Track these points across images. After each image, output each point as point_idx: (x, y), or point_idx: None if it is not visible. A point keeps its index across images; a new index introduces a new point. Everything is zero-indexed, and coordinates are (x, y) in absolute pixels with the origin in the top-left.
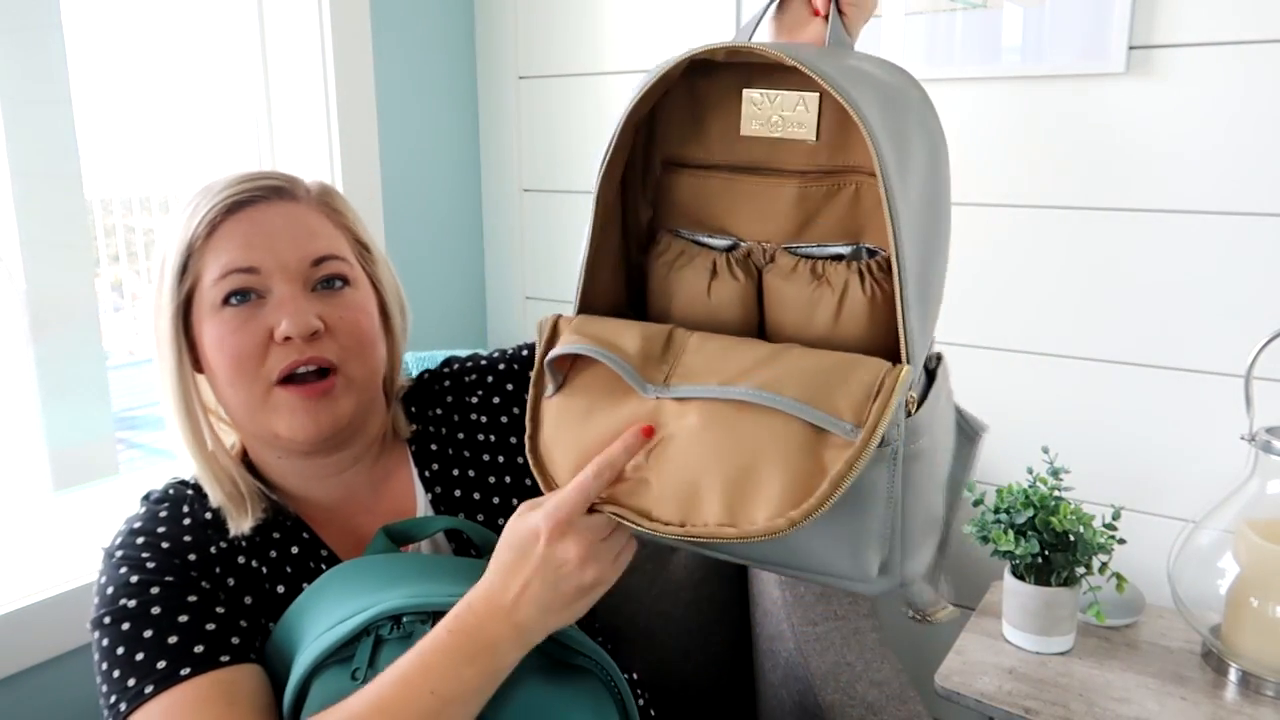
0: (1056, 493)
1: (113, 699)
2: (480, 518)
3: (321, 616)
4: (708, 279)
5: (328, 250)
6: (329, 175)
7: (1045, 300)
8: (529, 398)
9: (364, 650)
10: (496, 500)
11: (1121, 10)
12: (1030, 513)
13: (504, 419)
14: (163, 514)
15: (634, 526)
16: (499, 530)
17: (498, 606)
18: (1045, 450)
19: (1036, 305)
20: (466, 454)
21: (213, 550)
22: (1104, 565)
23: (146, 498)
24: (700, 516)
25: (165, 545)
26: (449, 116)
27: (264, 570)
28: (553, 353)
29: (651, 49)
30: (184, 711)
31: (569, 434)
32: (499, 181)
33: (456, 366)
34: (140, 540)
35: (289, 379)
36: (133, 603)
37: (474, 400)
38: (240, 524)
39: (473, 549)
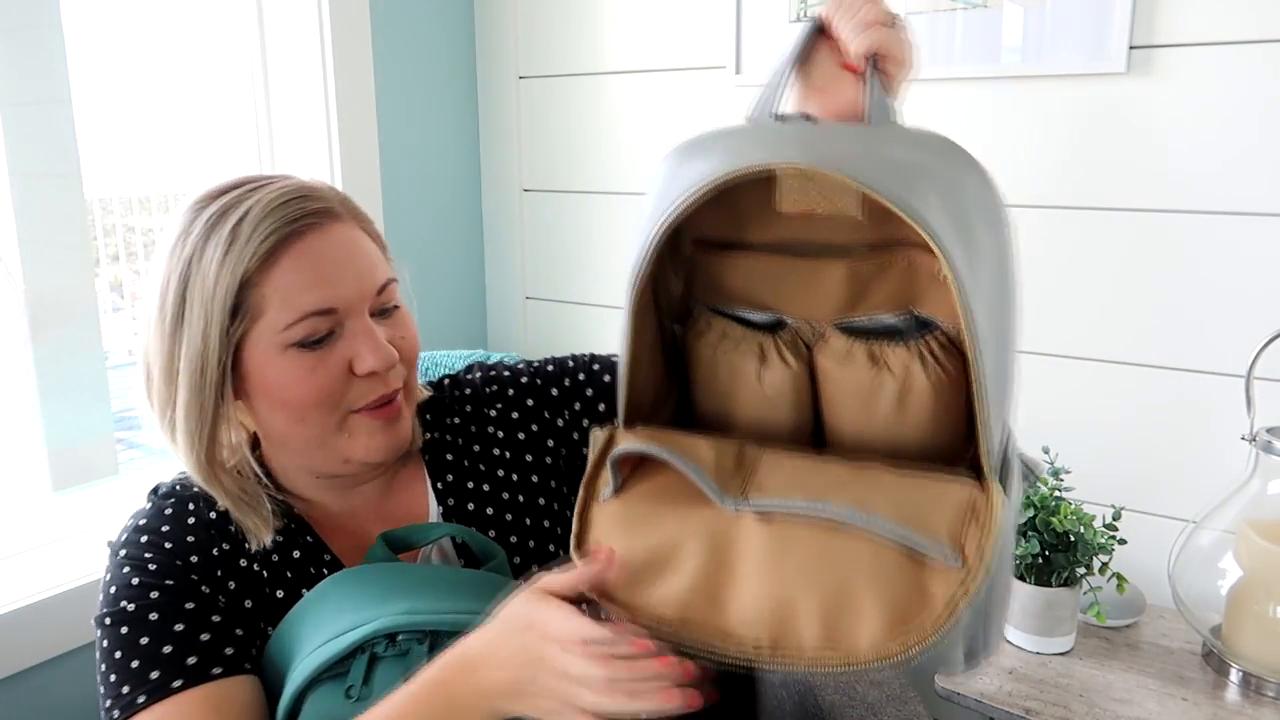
0: (1057, 493)
1: (108, 703)
2: (491, 533)
3: (319, 628)
4: (756, 365)
5: (387, 275)
6: (329, 175)
7: (1045, 300)
8: (578, 499)
9: (359, 668)
10: (509, 517)
11: (1122, 10)
12: (1030, 513)
13: (520, 435)
14: (168, 511)
15: (709, 654)
16: (509, 546)
17: (472, 665)
18: (1045, 450)
19: (1037, 305)
20: (481, 467)
21: (215, 552)
22: (1104, 566)
23: (154, 491)
24: (794, 639)
25: (168, 545)
26: (449, 116)
27: (265, 574)
28: (621, 449)
29: (651, 49)
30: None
31: (630, 540)
32: (499, 181)
33: (478, 375)
34: (144, 539)
35: (359, 406)
36: (132, 606)
37: (492, 413)
38: (263, 538)
39: (475, 559)
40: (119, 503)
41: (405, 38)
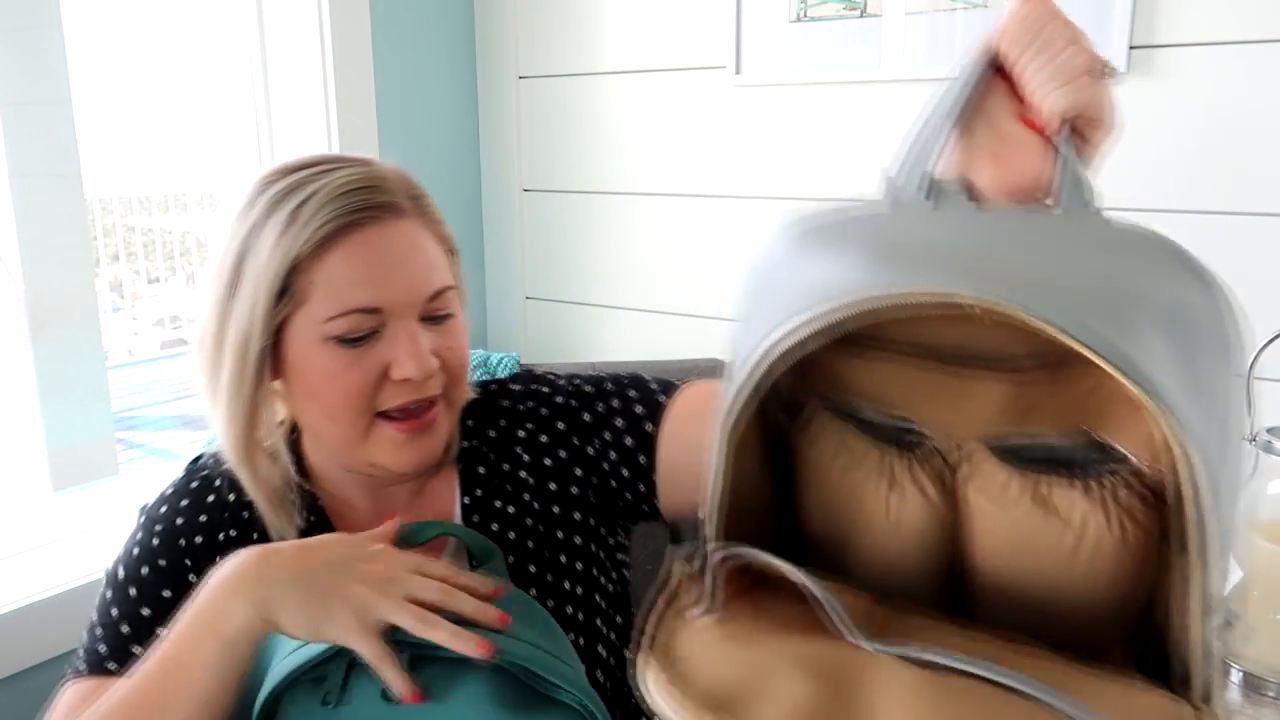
0: None
1: (77, 651)
2: (511, 559)
3: None
4: (884, 490)
5: (444, 282)
6: None
7: None
8: (657, 606)
9: (336, 673)
10: (530, 544)
11: (1122, 10)
12: None
13: (548, 461)
14: (193, 485)
15: None
16: (527, 576)
17: (263, 557)
18: None
19: None
20: (508, 488)
21: (220, 538)
22: None
23: (193, 462)
24: None
25: (179, 522)
26: (449, 116)
27: None
28: (728, 554)
29: (651, 49)
30: (88, 703)
31: (728, 655)
32: (499, 181)
33: (518, 388)
34: (163, 510)
35: (388, 412)
36: (122, 574)
37: (522, 434)
38: (286, 533)
39: (473, 559)
40: (119, 503)
41: (405, 38)
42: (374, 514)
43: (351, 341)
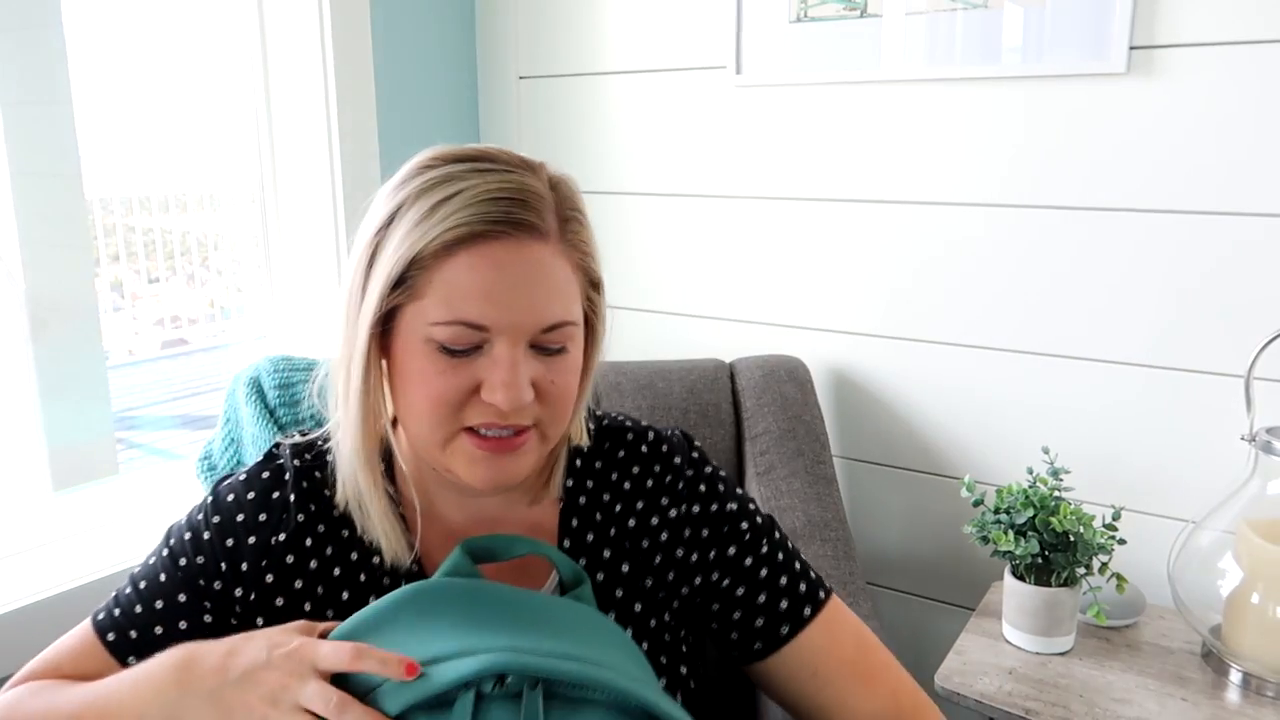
0: (1057, 493)
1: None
2: (611, 614)
3: (409, 648)
4: None
5: (561, 316)
6: (329, 175)
7: (1045, 300)
8: None
9: (464, 706)
10: (619, 593)
11: (1122, 10)
12: (1030, 513)
13: (656, 520)
14: (265, 475)
15: None
16: (617, 612)
17: (188, 663)
18: (1045, 450)
19: (1036, 305)
20: (611, 529)
21: (271, 541)
22: (1104, 565)
23: (275, 447)
24: None
25: (239, 519)
26: (449, 116)
27: (335, 572)
28: None
29: (651, 49)
30: (78, 654)
31: None
32: None
33: (665, 450)
34: (231, 498)
35: (478, 430)
36: (166, 552)
37: (651, 484)
38: (403, 558)
39: (562, 585)
40: (119, 503)
41: (405, 38)
42: (462, 528)
43: (452, 352)
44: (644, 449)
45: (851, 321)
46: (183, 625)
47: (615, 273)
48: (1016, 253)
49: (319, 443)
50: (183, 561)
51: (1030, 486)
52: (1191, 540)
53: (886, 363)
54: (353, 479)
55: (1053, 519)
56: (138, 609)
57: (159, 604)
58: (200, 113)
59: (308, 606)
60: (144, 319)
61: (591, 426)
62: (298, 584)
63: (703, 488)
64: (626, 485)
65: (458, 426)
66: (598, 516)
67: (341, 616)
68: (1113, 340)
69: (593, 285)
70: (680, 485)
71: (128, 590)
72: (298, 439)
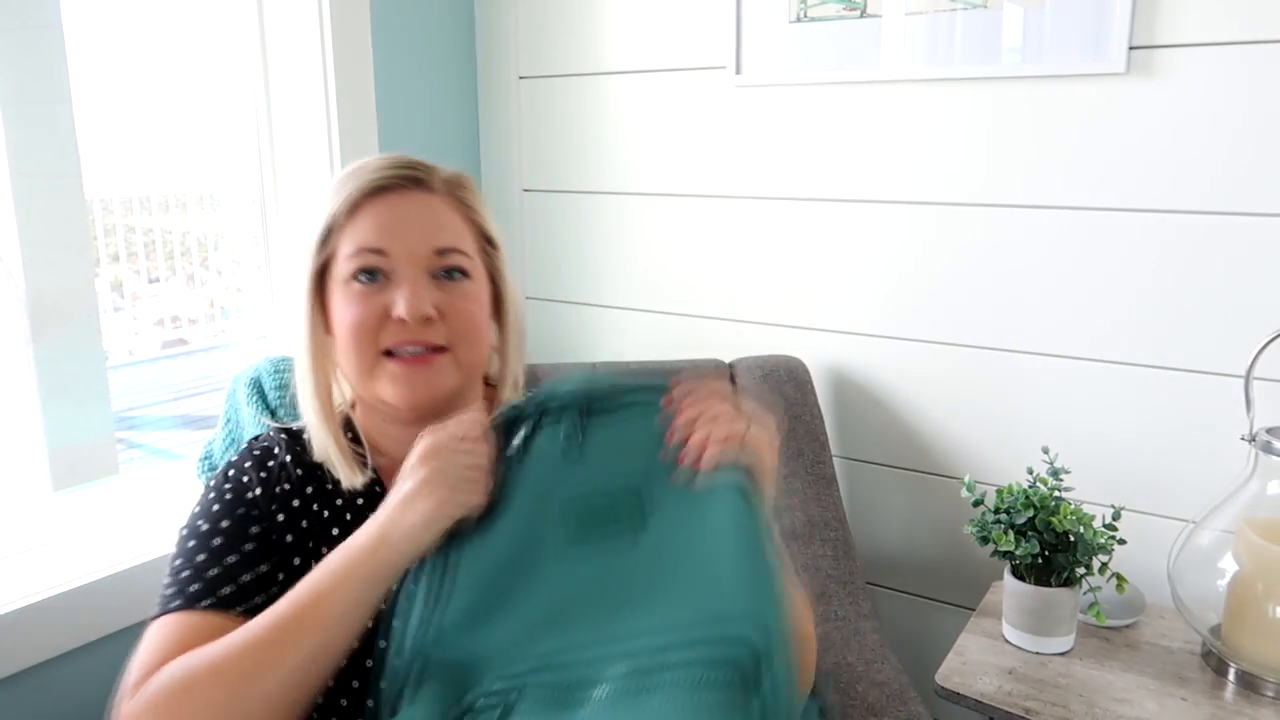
0: (1057, 493)
1: (157, 600)
2: None
3: (494, 633)
4: None
5: (450, 243)
6: (328, 175)
7: (1046, 300)
8: None
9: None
10: None
11: (1122, 10)
12: (1030, 513)
13: None
14: (256, 452)
15: None
16: None
17: (377, 511)
18: (1045, 450)
19: (1036, 305)
20: None
21: (275, 490)
22: (1104, 565)
23: (255, 439)
24: None
25: (245, 480)
26: (449, 116)
27: (325, 513)
28: None
29: (651, 49)
30: (183, 634)
31: None
32: (499, 181)
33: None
34: (231, 472)
35: (397, 352)
36: (204, 526)
37: None
38: (354, 479)
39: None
40: (119, 503)
41: (405, 38)
42: None
43: (365, 281)
44: None
45: (851, 321)
46: (263, 568)
47: (615, 273)
48: (1016, 253)
49: (296, 429)
50: (225, 524)
51: (1030, 486)
52: (1191, 540)
53: (886, 363)
54: (312, 425)
55: (1053, 519)
56: (213, 571)
57: (231, 558)
58: (200, 113)
59: (336, 531)
60: (144, 319)
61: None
62: (303, 523)
63: None
64: None
65: (377, 350)
66: None
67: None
68: (1113, 340)
69: (489, 241)
70: None
71: (184, 573)
72: (277, 426)
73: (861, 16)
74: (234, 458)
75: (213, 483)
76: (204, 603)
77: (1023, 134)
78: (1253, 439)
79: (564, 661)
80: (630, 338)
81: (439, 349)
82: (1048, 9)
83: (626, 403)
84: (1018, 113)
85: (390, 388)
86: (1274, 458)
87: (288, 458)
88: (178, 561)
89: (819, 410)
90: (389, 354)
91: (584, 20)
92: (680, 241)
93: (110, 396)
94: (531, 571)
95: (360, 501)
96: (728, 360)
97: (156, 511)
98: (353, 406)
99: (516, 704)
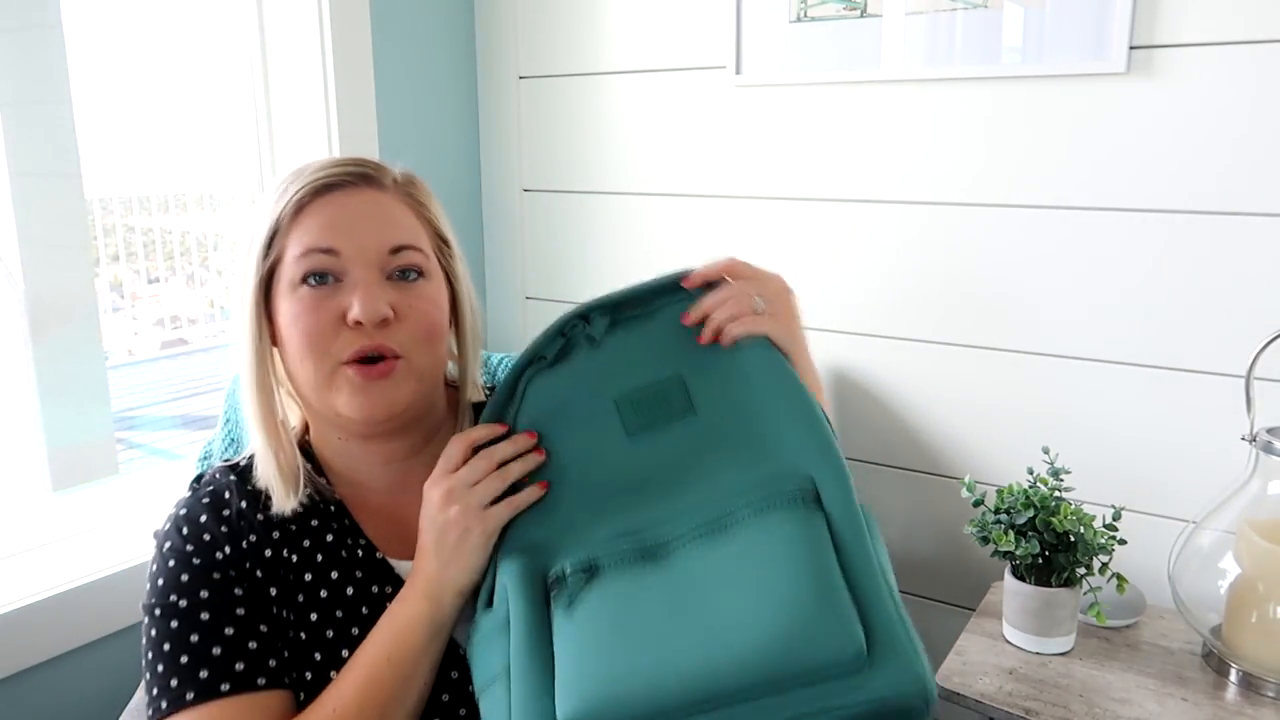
0: (1057, 493)
1: (154, 692)
2: None
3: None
4: None
5: (405, 240)
6: None
7: (1045, 300)
8: None
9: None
10: None
11: (1122, 10)
12: (1031, 513)
13: None
14: (205, 500)
15: None
16: None
17: (415, 573)
18: (1045, 451)
19: (1037, 305)
20: None
21: (244, 545)
22: (1104, 566)
23: (196, 480)
24: None
25: (206, 538)
26: (449, 116)
27: (294, 559)
28: None
29: (651, 49)
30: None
31: None
32: (499, 181)
33: None
34: (185, 530)
35: (353, 360)
36: (183, 603)
37: None
38: (285, 503)
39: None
40: (119, 503)
41: (405, 38)
42: (390, 494)
43: (316, 284)
44: None
45: (851, 321)
46: (263, 628)
47: (615, 273)
48: (1016, 253)
49: (241, 462)
50: (205, 595)
51: (1030, 487)
52: (1192, 540)
53: (886, 363)
54: (258, 446)
55: (1053, 519)
56: (216, 650)
57: (229, 630)
58: (200, 113)
59: (309, 577)
60: (144, 319)
61: (488, 387)
62: (292, 574)
63: None
64: None
65: (334, 361)
66: None
67: (325, 585)
68: (1113, 340)
69: (443, 240)
70: None
71: (183, 660)
72: (217, 466)
73: (861, 16)
74: (183, 511)
75: (168, 546)
76: (223, 687)
77: (1023, 134)
78: (1253, 439)
79: (640, 530)
80: None
81: (395, 355)
82: (1048, 9)
83: (653, 307)
84: (1018, 113)
85: (348, 401)
86: (1274, 458)
87: (242, 503)
88: (166, 647)
89: None
90: (345, 363)
91: (584, 20)
92: (680, 241)
93: (110, 396)
94: (594, 469)
95: (330, 539)
96: None
97: (156, 511)
98: (305, 430)
99: (601, 568)
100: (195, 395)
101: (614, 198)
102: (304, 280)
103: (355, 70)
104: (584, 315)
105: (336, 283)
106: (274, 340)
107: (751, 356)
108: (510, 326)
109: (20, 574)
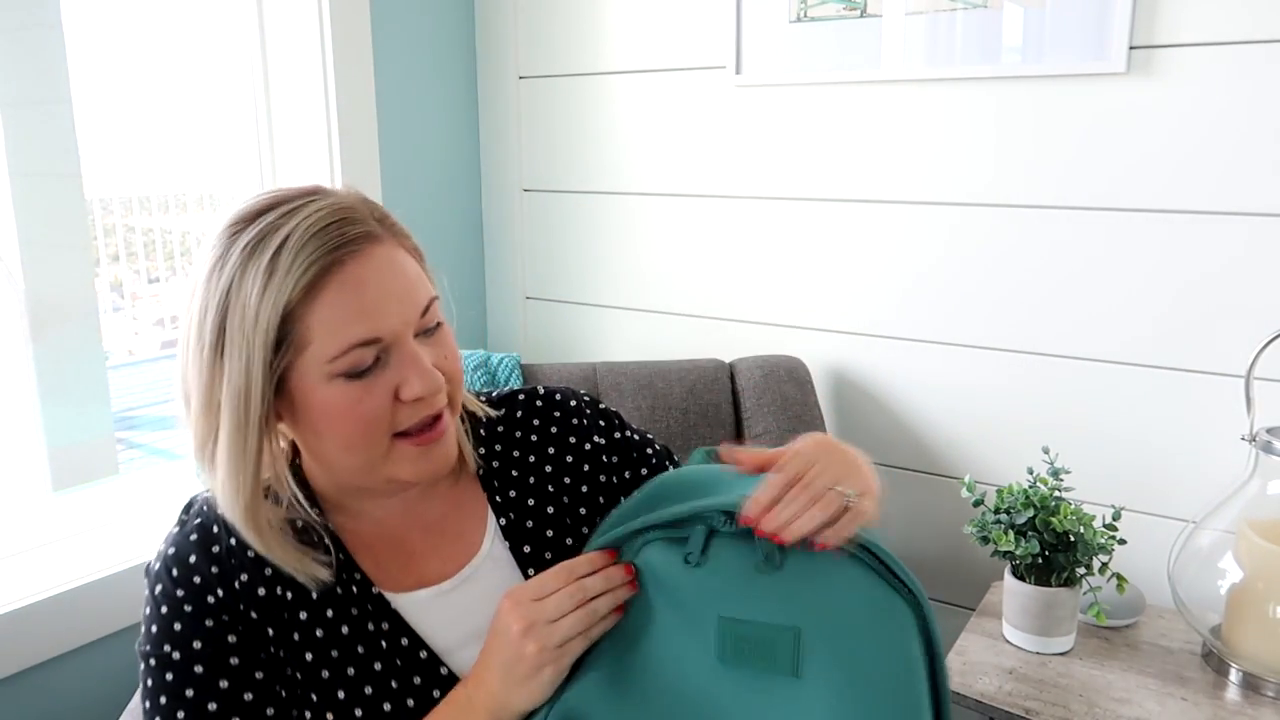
0: (1057, 493)
1: None
2: (548, 555)
3: (652, 508)
4: None
5: (428, 295)
6: (329, 176)
7: (1045, 300)
8: None
9: (698, 536)
10: (570, 542)
11: (1122, 10)
12: (1031, 513)
13: (586, 467)
14: (193, 538)
15: None
16: (551, 551)
17: (476, 678)
18: (1045, 451)
19: (1036, 305)
20: (543, 507)
21: (236, 585)
22: (1104, 565)
23: (185, 510)
24: None
25: (197, 581)
26: (449, 116)
27: (288, 596)
28: None
29: (651, 49)
30: None
31: None
32: (499, 181)
33: (559, 398)
34: (175, 573)
35: (407, 430)
36: (176, 654)
37: (552, 451)
38: (315, 573)
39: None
40: (119, 503)
41: (405, 38)
42: (393, 527)
43: (359, 375)
44: (539, 404)
45: (851, 321)
46: (258, 675)
47: (615, 273)
48: (1016, 252)
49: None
50: (198, 645)
51: (1030, 486)
52: (1191, 540)
53: (886, 363)
54: (251, 537)
55: (1053, 519)
56: (211, 705)
57: (224, 683)
58: (200, 113)
59: (304, 615)
60: (144, 319)
61: (484, 392)
62: (286, 613)
63: (602, 422)
64: (534, 437)
65: (389, 438)
66: (514, 473)
67: (320, 624)
68: (1113, 340)
69: (421, 261)
70: (583, 422)
71: (180, 701)
72: (206, 495)
73: (862, 16)
74: (172, 550)
75: (160, 590)
76: None
77: (1023, 134)
78: (1253, 439)
79: None
80: (630, 338)
81: (441, 411)
82: (1048, 9)
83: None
84: (1018, 113)
85: (410, 468)
86: (1274, 458)
87: (231, 540)
88: (162, 700)
89: (819, 410)
90: (398, 435)
91: (584, 20)
92: (680, 241)
93: (110, 396)
94: (670, 668)
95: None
96: (728, 360)
97: (156, 511)
98: (294, 454)
99: None
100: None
101: (614, 198)
102: (346, 375)
103: (355, 70)
104: (730, 512)
105: (376, 364)
106: (279, 417)
107: (899, 632)
108: (510, 326)
109: (20, 574)
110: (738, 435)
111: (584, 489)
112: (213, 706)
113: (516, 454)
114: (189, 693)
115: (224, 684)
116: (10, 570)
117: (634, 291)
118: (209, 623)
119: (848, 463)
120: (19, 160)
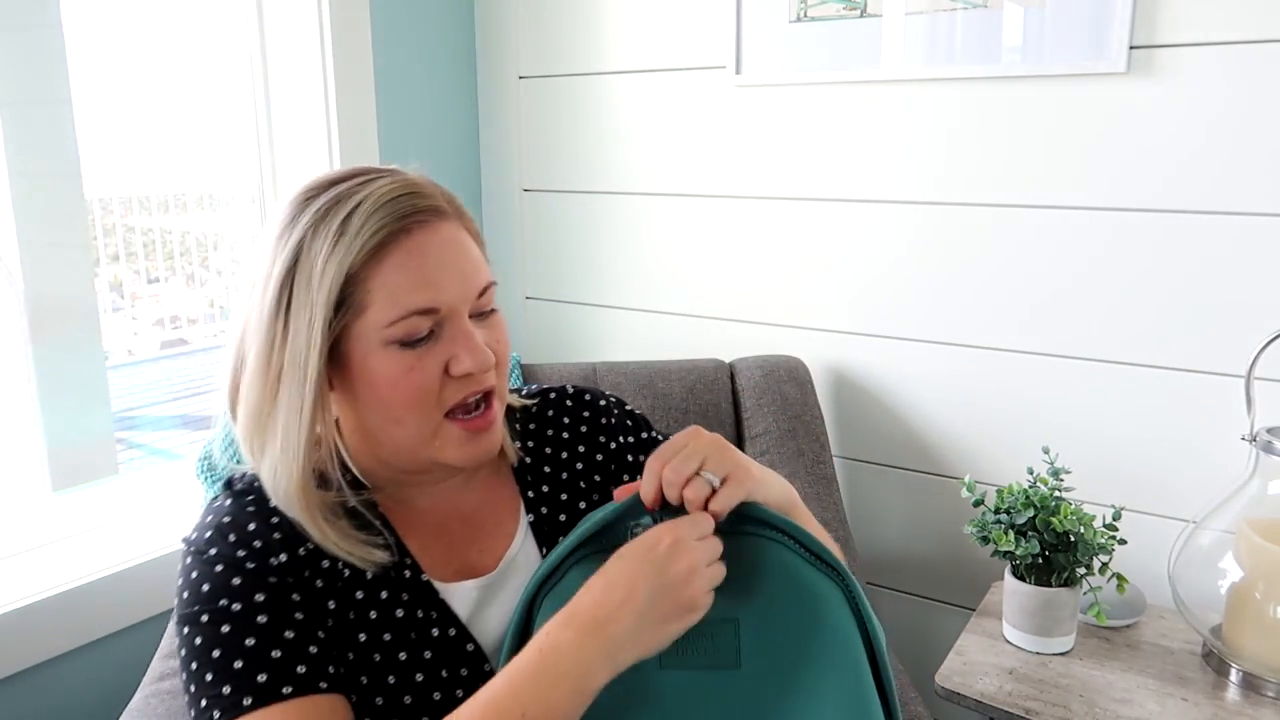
0: (1057, 493)
1: (203, 703)
2: None
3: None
4: None
5: (487, 278)
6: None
7: (1045, 300)
8: None
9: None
10: None
11: (1122, 10)
12: (1031, 513)
13: (613, 466)
14: (250, 509)
15: None
16: None
17: (594, 620)
18: (1046, 450)
19: (1036, 305)
20: (565, 478)
21: (300, 553)
22: (1104, 565)
23: (228, 485)
24: None
25: (257, 545)
26: (449, 116)
27: (346, 572)
28: None
29: (651, 49)
30: None
31: None
32: (499, 181)
33: (589, 397)
34: (232, 536)
35: (453, 411)
36: (236, 606)
37: (581, 449)
38: (369, 555)
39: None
40: (119, 503)
41: (405, 38)
42: (433, 512)
43: (413, 344)
44: (569, 402)
45: (852, 321)
46: (321, 634)
47: (615, 273)
48: (1016, 253)
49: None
50: (262, 595)
51: (1030, 486)
52: (1192, 540)
53: (887, 363)
54: (303, 518)
55: (1053, 519)
56: (276, 653)
57: (289, 633)
58: (200, 113)
59: (360, 594)
60: (144, 319)
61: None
62: (347, 589)
63: (629, 421)
64: (565, 435)
65: (439, 414)
66: (547, 469)
67: (374, 605)
68: (1113, 340)
69: (483, 249)
70: (611, 420)
71: (239, 651)
72: (250, 473)
73: (861, 16)
74: (226, 518)
75: (214, 552)
76: (284, 690)
77: (1023, 134)
78: (1253, 439)
79: None
80: (630, 338)
81: (491, 394)
82: (1048, 9)
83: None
84: (1018, 113)
85: (457, 452)
86: (1274, 458)
87: (275, 518)
88: (216, 653)
89: (819, 410)
90: (447, 416)
91: (584, 20)
92: (680, 241)
93: (110, 396)
94: (617, 691)
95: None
96: (728, 360)
97: (156, 511)
98: (338, 432)
99: None
100: (195, 395)
101: (614, 198)
102: (401, 342)
103: (355, 70)
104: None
105: (430, 335)
106: (331, 386)
107: (827, 608)
108: (510, 326)
109: (20, 574)
110: (738, 435)
111: (611, 488)
112: (276, 654)
113: (549, 450)
114: (249, 641)
115: (289, 634)
116: (10, 570)
117: (634, 291)
118: (272, 579)
119: (717, 445)
120: (19, 160)
